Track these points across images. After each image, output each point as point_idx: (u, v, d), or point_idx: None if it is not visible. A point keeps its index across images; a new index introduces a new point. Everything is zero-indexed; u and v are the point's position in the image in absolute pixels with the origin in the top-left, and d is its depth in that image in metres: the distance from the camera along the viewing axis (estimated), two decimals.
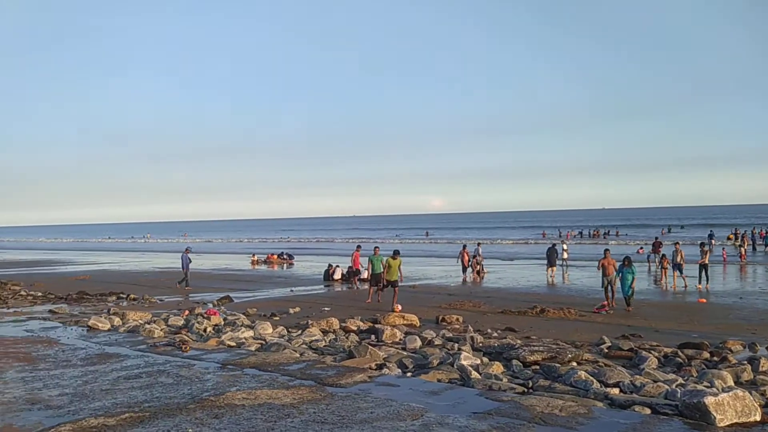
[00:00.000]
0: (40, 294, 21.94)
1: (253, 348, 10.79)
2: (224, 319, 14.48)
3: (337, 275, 27.27)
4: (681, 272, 21.89)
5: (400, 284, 18.83)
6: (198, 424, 5.65)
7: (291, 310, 16.98)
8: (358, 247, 26.63)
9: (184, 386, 7.28)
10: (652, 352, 10.40)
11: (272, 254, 44.20)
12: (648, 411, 6.48)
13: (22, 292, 22.39)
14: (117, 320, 13.81)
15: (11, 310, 17.15)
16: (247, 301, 19.94)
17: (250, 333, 12.32)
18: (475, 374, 8.31)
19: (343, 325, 13.53)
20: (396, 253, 19.20)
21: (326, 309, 17.33)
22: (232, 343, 11.18)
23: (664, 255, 24.04)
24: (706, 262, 22.19)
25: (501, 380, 8.10)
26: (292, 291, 23.20)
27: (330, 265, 28.44)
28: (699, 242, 25.11)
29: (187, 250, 26.68)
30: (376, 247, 21.83)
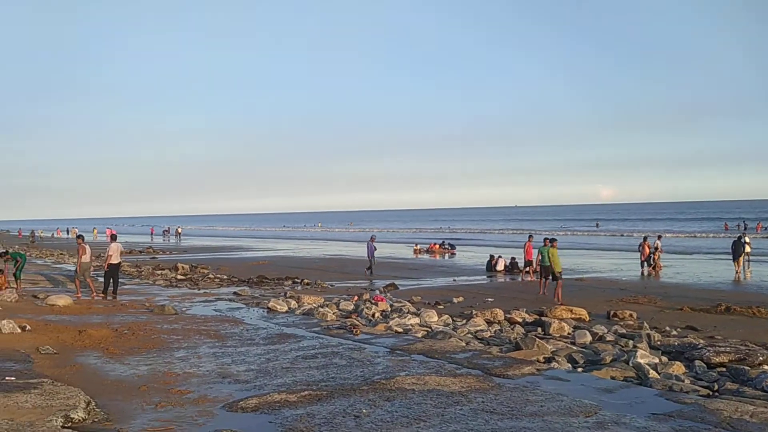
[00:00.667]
0: (225, 277, 24.06)
1: (419, 335, 11.02)
2: (391, 306, 14.91)
3: (500, 266, 26.98)
4: None
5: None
6: (371, 405, 5.90)
7: (455, 299, 17.09)
8: (530, 237, 25.65)
9: (357, 368, 7.62)
10: None
11: (434, 244, 44.72)
12: None
13: (210, 275, 24.70)
14: (293, 303, 14.75)
15: (201, 291, 18.99)
16: (412, 288, 20.36)
17: (416, 320, 12.58)
18: (653, 373, 7.85)
19: (508, 316, 13.38)
20: (551, 241, 18.51)
21: (490, 300, 17.21)
22: (399, 329, 11.50)
23: None
24: None
25: (682, 381, 7.57)
26: (455, 280, 23.33)
27: (492, 256, 28.19)
28: None
29: (372, 238, 27.38)
30: (545, 239, 20.67)
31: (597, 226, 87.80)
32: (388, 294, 18.19)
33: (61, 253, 40.06)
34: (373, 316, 13.51)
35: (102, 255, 21.08)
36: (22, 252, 22.17)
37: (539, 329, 11.94)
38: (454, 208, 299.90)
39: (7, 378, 6.78)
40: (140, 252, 43.37)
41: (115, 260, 17.28)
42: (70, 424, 5.33)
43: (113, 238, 18.42)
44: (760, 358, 8.73)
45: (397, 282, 21.55)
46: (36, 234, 75.71)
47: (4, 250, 20.88)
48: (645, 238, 27.48)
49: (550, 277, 18.08)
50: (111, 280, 17.06)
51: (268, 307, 14.08)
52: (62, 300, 14.56)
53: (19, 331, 10.21)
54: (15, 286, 17.24)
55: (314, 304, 14.67)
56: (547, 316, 13.25)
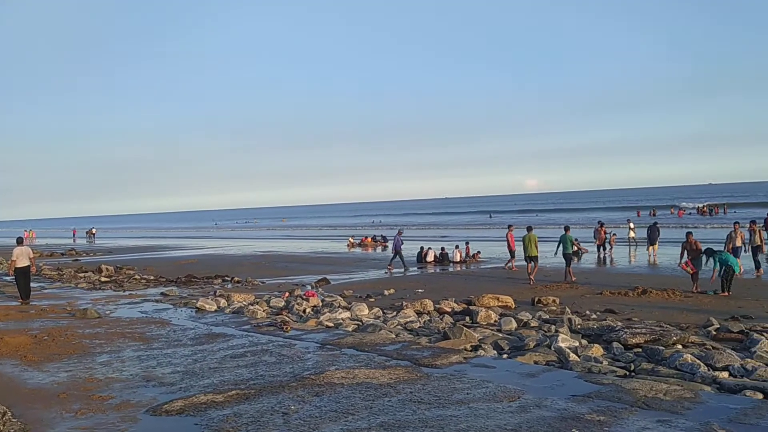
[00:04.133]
0: (152, 278, 23.39)
1: (350, 329, 11.07)
2: (322, 301, 14.89)
3: (430, 257, 27.40)
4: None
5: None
6: (300, 401, 5.89)
7: (386, 292, 17.23)
8: (510, 227, 24.92)
9: (286, 365, 7.59)
10: (765, 334, 9.79)
11: (367, 237, 44.90)
12: (760, 396, 6.16)
13: (136, 276, 23.95)
14: (223, 302, 14.51)
15: (127, 293, 18.40)
16: (344, 283, 20.38)
17: (347, 314, 12.62)
18: (573, 356, 8.16)
19: (438, 306, 13.60)
20: (529, 229, 20.41)
21: (420, 291, 17.44)
22: (330, 324, 11.51)
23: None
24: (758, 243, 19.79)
25: (601, 363, 7.91)
26: (386, 273, 23.49)
27: (422, 248, 28.56)
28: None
29: (399, 231, 27.63)
30: (566, 227, 22.26)
31: (490, 216, 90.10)
32: (320, 289, 18.15)
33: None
34: (304, 312, 13.47)
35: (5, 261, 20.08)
36: None
37: (467, 318, 12.20)
38: (385, 202, 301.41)
39: None
40: (62, 254, 41.53)
41: (20, 264, 16.54)
42: None
43: (19, 241, 17.60)
44: (674, 338, 9.21)
45: (329, 276, 21.53)
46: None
47: None
48: (601, 224, 28.69)
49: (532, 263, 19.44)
50: (23, 284, 16.37)
51: (197, 307, 13.82)
52: None
53: None
54: None
55: (244, 302, 14.48)
56: (475, 305, 13.55)
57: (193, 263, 30.34)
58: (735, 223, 20.87)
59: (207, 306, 13.76)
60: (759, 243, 19.67)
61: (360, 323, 11.67)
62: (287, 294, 16.39)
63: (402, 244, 26.09)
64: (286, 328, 10.30)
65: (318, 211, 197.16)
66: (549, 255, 23.35)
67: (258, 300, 15.09)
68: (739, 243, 19.11)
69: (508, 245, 23.78)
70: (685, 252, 16.69)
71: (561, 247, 19.87)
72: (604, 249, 27.81)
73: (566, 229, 20.98)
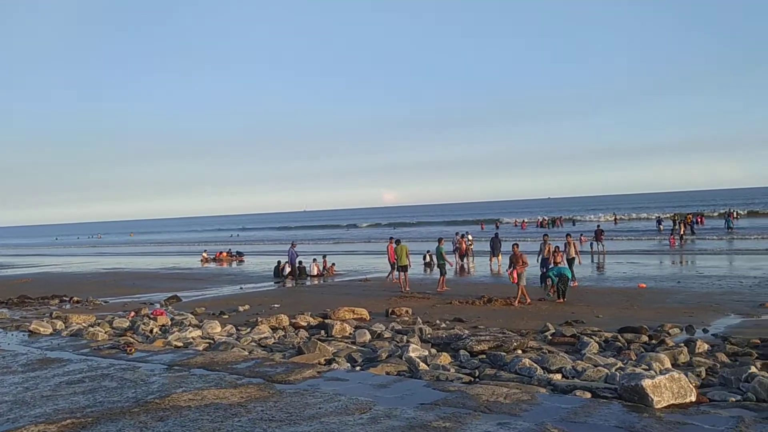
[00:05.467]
0: None
1: (200, 348, 10.68)
2: (171, 320, 14.28)
3: (287, 271, 27.19)
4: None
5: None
6: (142, 427, 5.57)
7: (240, 308, 16.83)
8: (391, 239, 24.70)
9: (129, 389, 7.15)
10: (594, 337, 10.73)
11: (222, 252, 43.62)
12: (589, 395, 6.67)
13: None
14: (59, 324, 13.44)
15: None
16: (196, 300, 19.65)
17: (198, 332, 12.17)
18: (423, 366, 8.42)
19: (293, 321, 13.50)
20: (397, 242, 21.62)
21: (276, 306, 17.23)
22: (179, 344, 11.03)
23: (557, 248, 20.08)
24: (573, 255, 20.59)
25: (448, 371, 8.22)
26: (241, 288, 22.97)
27: (279, 262, 28.27)
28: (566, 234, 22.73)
29: (293, 244, 27.71)
30: (440, 239, 22.85)
31: (347, 229, 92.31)
32: (170, 307, 17.38)
33: None
34: (151, 332, 12.81)
35: None
36: None
37: (323, 332, 12.23)
38: (244, 215, 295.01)
39: None
40: None
41: None
42: None
43: None
44: (515, 344, 9.81)
45: (180, 294, 20.68)
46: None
47: None
48: (462, 235, 29.80)
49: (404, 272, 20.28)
50: None
51: (30, 330, 12.64)
52: None
53: None
54: None
55: (84, 324, 13.52)
56: (330, 318, 13.61)
57: (28, 282, 27.86)
58: (567, 234, 22.37)
59: (41, 329, 12.65)
60: (573, 255, 20.73)
61: (212, 341, 11.29)
62: (133, 314, 15.50)
63: (297, 256, 26.65)
64: (130, 350, 9.71)
65: (172, 225, 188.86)
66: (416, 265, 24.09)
67: (99, 321, 14.14)
68: (573, 254, 20.59)
69: (389, 257, 24.00)
70: (511, 262, 17.32)
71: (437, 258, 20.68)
72: (466, 259, 28.98)
73: (439, 241, 21.74)
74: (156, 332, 12.77)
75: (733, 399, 6.52)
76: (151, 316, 14.53)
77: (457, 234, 31.78)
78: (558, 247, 19.68)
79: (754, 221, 59.23)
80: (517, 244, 17.94)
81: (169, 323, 13.81)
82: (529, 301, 16.29)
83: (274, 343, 11.24)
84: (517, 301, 16.19)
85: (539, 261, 19.72)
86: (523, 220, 78.82)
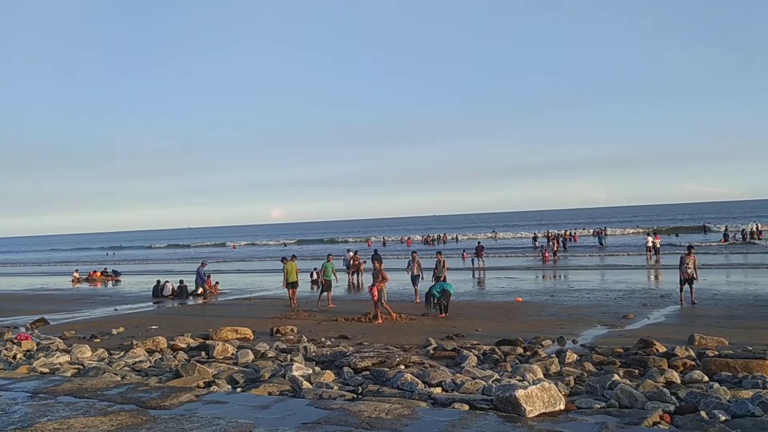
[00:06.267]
0: None
1: (68, 374, 9.99)
2: (37, 344, 13.31)
3: (168, 291, 26.06)
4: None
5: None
6: None
7: (114, 331, 15.93)
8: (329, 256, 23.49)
9: None
10: (473, 350, 11.09)
11: (95, 271, 41.17)
12: (466, 407, 6.87)
13: None
14: None
15: None
16: (65, 323, 18.40)
17: (66, 357, 11.41)
18: (306, 384, 8.34)
19: (172, 343, 12.96)
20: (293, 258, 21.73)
21: (154, 327, 16.48)
22: (45, 370, 10.29)
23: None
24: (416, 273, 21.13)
25: (332, 388, 8.20)
26: (116, 310, 21.78)
27: (159, 281, 27.08)
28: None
29: (203, 263, 26.61)
30: (329, 255, 22.70)
31: (234, 247, 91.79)
32: (36, 331, 16.17)
33: None
34: (14, 357, 11.87)
35: None
36: None
37: (204, 353, 11.83)
38: (125, 231, 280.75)
39: None
40: None
41: None
42: None
43: None
44: (398, 359, 9.94)
45: (48, 316, 19.29)
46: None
47: None
48: (355, 252, 29.77)
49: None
50: None
51: None
52: None
53: None
54: None
55: None
56: (212, 339, 13.20)
57: None
58: (438, 252, 22.49)
59: None
60: (417, 272, 21.22)
61: (81, 367, 10.60)
62: None
63: (206, 276, 26.23)
64: None
65: (39, 243, 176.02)
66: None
67: None
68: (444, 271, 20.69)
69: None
70: (372, 277, 17.55)
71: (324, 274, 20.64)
72: (358, 276, 28.84)
73: (328, 257, 21.78)
74: (20, 358, 11.85)
75: (598, 406, 6.95)
76: (15, 341, 13.46)
77: (348, 251, 31.90)
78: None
79: (624, 239, 63.73)
80: (379, 260, 18.29)
81: (35, 348, 12.86)
82: (394, 316, 16.44)
83: (149, 366, 10.73)
84: (379, 318, 16.25)
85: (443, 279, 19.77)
86: (408, 237, 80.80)
